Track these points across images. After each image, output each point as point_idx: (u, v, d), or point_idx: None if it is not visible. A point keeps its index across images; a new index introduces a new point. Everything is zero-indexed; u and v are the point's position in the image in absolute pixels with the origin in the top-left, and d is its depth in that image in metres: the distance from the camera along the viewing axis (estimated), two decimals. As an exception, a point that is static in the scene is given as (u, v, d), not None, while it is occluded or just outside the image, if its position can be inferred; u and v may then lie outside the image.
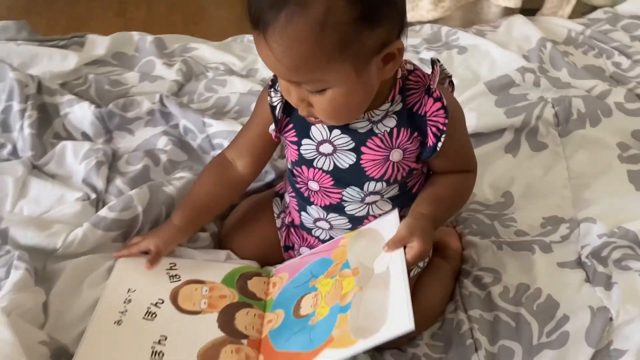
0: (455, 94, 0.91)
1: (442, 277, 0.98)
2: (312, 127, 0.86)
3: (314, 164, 0.88)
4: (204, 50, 1.50)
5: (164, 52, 1.48)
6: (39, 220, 0.96)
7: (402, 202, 0.89)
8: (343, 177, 0.87)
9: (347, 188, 0.88)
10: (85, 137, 1.20)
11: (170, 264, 0.93)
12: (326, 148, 0.86)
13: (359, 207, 0.90)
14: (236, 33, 1.62)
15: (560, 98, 1.29)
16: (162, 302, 0.87)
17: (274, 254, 1.01)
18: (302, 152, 0.88)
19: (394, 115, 0.83)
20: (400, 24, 0.75)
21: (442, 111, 0.81)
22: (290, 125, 0.88)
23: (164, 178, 1.09)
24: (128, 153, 1.16)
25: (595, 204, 1.11)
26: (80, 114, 1.20)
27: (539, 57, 1.46)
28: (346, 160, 0.86)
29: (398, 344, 0.93)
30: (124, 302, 0.86)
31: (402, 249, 0.79)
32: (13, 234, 0.92)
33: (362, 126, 0.83)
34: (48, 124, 1.19)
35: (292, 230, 1.00)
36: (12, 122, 1.16)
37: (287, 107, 0.86)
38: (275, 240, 1.01)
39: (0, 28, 1.39)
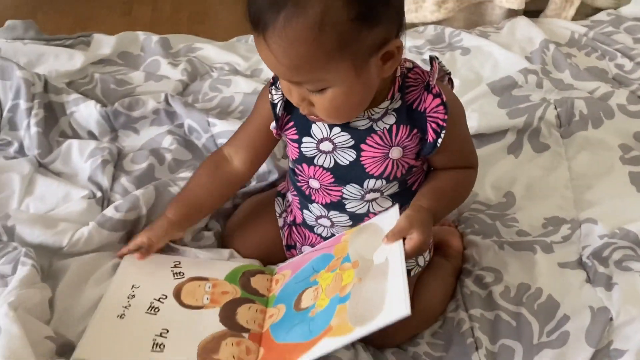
0: (458, 95, 0.91)
1: (443, 276, 0.99)
2: (313, 125, 0.86)
3: (315, 161, 0.88)
4: (209, 50, 1.51)
5: (169, 51, 1.48)
6: (46, 218, 0.97)
7: (402, 199, 0.89)
8: (343, 175, 0.88)
9: (347, 185, 0.88)
10: (91, 135, 1.21)
11: (175, 262, 0.94)
12: (326, 146, 0.86)
13: (360, 205, 0.90)
14: (241, 33, 1.62)
15: (562, 99, 1.29)
16: (165, 298, 0.88)
17: (276, 253, 1.02)
18: (302, 149, 0.88)
19: (393, 113, 0.83)
20: (398, 23, 0.76)
21: (441, 107, 0.81)
22: (291, 123, 0.88)
23: (168, 177, 1.09)
24: (133, 152, 1.17)
25: (596, 205, 1.11)
26: (86, 112, 1.21)
27: (541, 59, 1.46)
28: (346, 157, 0.86)
29: (399, 342, 0.94)
30: (128, 298, 0.87)
31: (401, 241, 0.80)
32: (20, 231, 0.93)
33: (362, 124, 0.84)
34: (54, 123, 1.20)
35: (294, 229, 1.01)
36: (18, 120, 1.17)
37: (288, 105, 0.86)
38: (278, 240, 1.02)
39: (8, 27, 1.40)
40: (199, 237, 1.03)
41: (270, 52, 0.72)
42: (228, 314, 0.87)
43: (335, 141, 0.86)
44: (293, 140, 0.89)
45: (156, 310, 0.86)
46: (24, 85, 1.18)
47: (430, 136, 0.83)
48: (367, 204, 0.90)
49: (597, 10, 1.75)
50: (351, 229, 0.91)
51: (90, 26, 1.74)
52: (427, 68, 0.85)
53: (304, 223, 0.98)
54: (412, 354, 0.93)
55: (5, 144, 1.16)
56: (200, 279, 0.92)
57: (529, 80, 1.36)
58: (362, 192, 0.88)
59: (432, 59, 0.85)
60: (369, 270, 0.80)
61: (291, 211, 1.01)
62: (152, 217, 1.00)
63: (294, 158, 0.91)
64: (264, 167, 1.11)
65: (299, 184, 0.94)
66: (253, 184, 1.12)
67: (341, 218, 0.92)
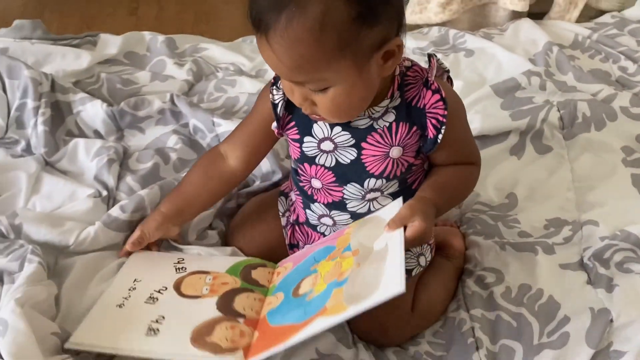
0: (461, 96, 0.91)
1: (444, 276, 1.00)
2: (314, 125, 0.87)
3: (316, 161, 0.89)
4: (214, 51, 1.51)
5: (175, 52, 1.49)
6: (52, 217, 0.98)
7: (402, 198, 0.89)
8: (344, 174, 0.88)
9: (348, 185, 0.89)
10: (97, 134, 1.22)
11: (179, 259, 0.95)
12: (327, 145, 0.87)
13: (360, 204, 0.91)
14: (246, 33, 1.62)
15: (565, 101, 1.29)
16: (165, 289, 0.88)
17: (279, 252, 1.02)
18: (304, 149, 0.89)
19: (393, 110, 0.84)
20: (398, 21, 0.76)
21: (440, 103, 0.82)
22: (293, 123, 0.89)
23: (173, 176, 1.10)
24: (139, 151, 1.18)
25: (598, 207, 1.11)
26: (92, 112, 1.22)
27: (545, 61, 1.46)
28: (347, 156, 0.87)
29: (400, 342, 0.95)
30: (129, 290, 0.88)
31: (402, 228, 0.79)
32: (27, 229, 0.94)
33: (362, 123, 0.85)
34: (61, 122, 1.21)
35: (297, 228, 1.01)
36: (26, 119, 1.18)
37: (289, 105, 0.87)
38: (281, 239, 1.02)
39: (16, 27, 1.40)
40: (203, 236, 1.04)
41: (272, 53, 0.73)
42: (226, 302, 0.86)
43: (336, 141, 0.86)
44: (294, 140, 0.90)
45: (155, 300, 0.87)
46: (31, 84, 1.19)
47: (431, 132, 0.83)
48: (368, 203, 0.91)
49: (601, 12, 1.75)
50: (355, 222, 0.91)
51: (97, 26, 1.75)
52: (427, 67, 0.86)
53: (307, 222, 0.98)
54: (413, 353, 0.93)
55: (13, 142, 1.17)
56: (202, 273, 0.92)
57: (532, 82, 1.36)
58: (363, 192, 0.89)
59: (430, 55, 0.85)
60: (369, 256, 0.79)
61: (294, 210, 1.02)
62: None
63: (296, 158, 0.91)
64: (267, 167, 1.12)
65: (301, 184, 0.95)
66: (257, 183, 1.13)
67: (343, 217, 0.93)
